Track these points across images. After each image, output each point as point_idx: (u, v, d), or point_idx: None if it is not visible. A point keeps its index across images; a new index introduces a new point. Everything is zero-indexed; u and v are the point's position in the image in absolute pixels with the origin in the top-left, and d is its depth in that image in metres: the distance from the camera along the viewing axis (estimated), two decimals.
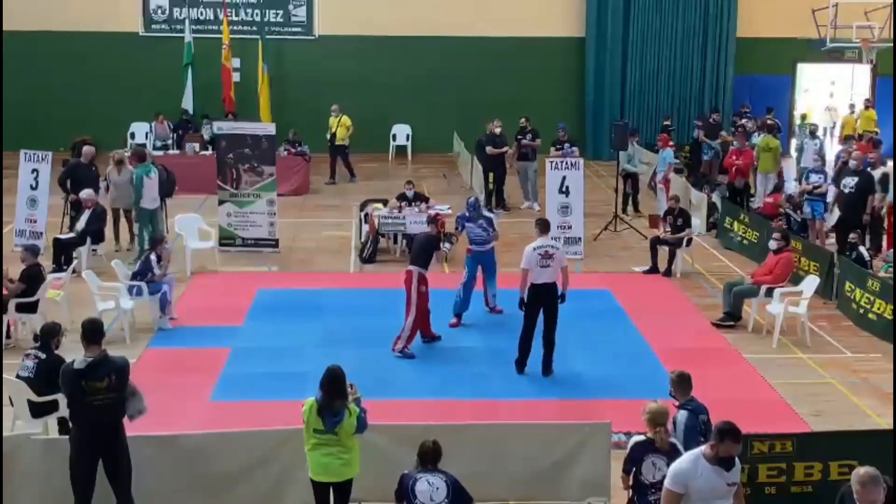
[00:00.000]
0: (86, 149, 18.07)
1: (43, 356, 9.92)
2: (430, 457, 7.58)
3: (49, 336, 10.08)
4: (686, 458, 7.17)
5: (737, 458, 7.19)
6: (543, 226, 12.66)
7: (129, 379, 8.48)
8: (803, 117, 27.15)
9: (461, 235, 14.74)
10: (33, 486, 8.66)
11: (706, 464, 7.01)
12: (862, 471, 6.54)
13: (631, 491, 7.84)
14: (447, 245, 13.44)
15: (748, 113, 25.28)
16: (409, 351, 12.86)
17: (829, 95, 30.44)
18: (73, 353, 12.57)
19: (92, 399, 8.12)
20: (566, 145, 21.52)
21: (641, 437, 7.87)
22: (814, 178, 18.52)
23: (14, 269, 13.40)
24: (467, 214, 14.62)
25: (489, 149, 21.12)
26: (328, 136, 24.18)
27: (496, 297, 14.51)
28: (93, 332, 8.38)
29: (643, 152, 22.45)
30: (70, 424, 8.43)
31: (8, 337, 12.93)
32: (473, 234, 14.42)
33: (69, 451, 8.33)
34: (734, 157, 20.42)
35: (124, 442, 8.36)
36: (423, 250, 13.11)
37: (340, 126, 24.04)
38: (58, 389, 9.15)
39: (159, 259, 13.97)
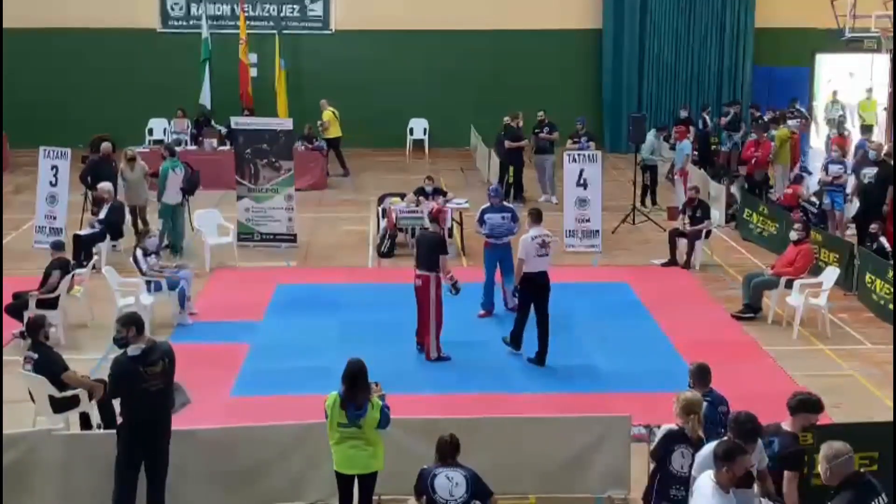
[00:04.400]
0: (104, 145, 18.16)
1: (36, 356, 9.88)
2: (448, 451, 7.58)
3: (36, 330, 10.08)
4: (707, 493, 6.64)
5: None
6: (537, 215, 12.76)
7: None
8: (834, 93, 26.98)
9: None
10: (55, 482, 8.71)
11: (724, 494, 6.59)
12: (836, 445, 6.49)
13: (655, 481, 7.82)
14: (452, 291, 12.49)
15: (797, 111, 24.83)
16: (445, 354, 12.63)
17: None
18: (95, 348, 12.76)
19: (149, 385, 8.24)
20: (583, 139, 21.56)
21: (673, 427, 7.76)
22: (833, 168, 18.41)
23: (28, 265, 13.47)
24: (489, 204, 14.46)
25: (508, 143, 21.13)
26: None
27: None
28: (137, 322, 8.47)
29: (665, 145, 22.45)
30: (120, 419, 8.44)
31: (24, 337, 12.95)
32: (492, 224, 14.10)
33: (118, 446, 8.36)
34: (752, 150, 20.30)
35: (169, 436, 8.49)
36: (433, 252, 12.46)
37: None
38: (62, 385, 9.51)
39: (145, 253, 13.89)
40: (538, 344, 12.45)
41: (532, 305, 12.43)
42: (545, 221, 12.93)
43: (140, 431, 8.34)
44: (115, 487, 8.40)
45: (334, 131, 24.14)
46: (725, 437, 7.22)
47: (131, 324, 8.39)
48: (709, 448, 7.17)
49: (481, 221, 14.38)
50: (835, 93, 27.38)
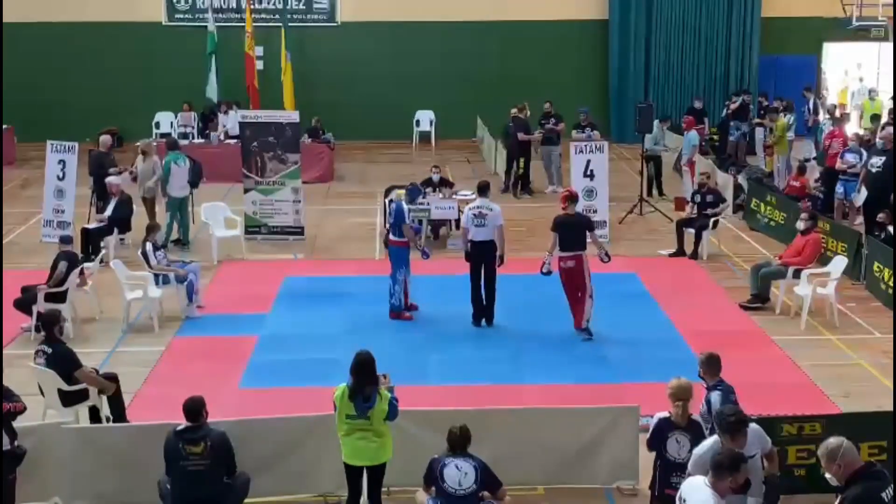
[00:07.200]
0: (102, 138, 18.19)
1: (50, 350, 9.93)
2: (458, 442, 7.62)
3: (51, 325, 10.10)
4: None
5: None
6: (482, 189, 13.67)
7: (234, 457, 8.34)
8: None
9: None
10: (65, 474, 8.76)
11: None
12: (831, 441, 6.50)
13: (657, 470, 7.85)
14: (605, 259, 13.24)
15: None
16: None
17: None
18: (103, 341, 12.79)
19: (187, 464, 8.04)
20: (587, 129, 21.58)
21: (665, 414, 7.87)
22: (849, 157, 18.31)
23: (36, 259, 13.47)
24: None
25: (521, 135, 21.09)
26: None
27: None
28: (194, 410, 8.23)
29: (670, 136, 22.39)
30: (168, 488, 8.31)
31: (38, 331, 12.98)
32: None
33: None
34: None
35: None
36: (582, 232, 12.99)
37: None
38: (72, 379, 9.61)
39: (155, 247, 13.91)
40: (485, 304, 13.36)
41: (480, 270, 13.27)
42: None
43: None
44: None
45: None
46: (714, 436, 7.23)
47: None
48: (707, 445, 7.14)
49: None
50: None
